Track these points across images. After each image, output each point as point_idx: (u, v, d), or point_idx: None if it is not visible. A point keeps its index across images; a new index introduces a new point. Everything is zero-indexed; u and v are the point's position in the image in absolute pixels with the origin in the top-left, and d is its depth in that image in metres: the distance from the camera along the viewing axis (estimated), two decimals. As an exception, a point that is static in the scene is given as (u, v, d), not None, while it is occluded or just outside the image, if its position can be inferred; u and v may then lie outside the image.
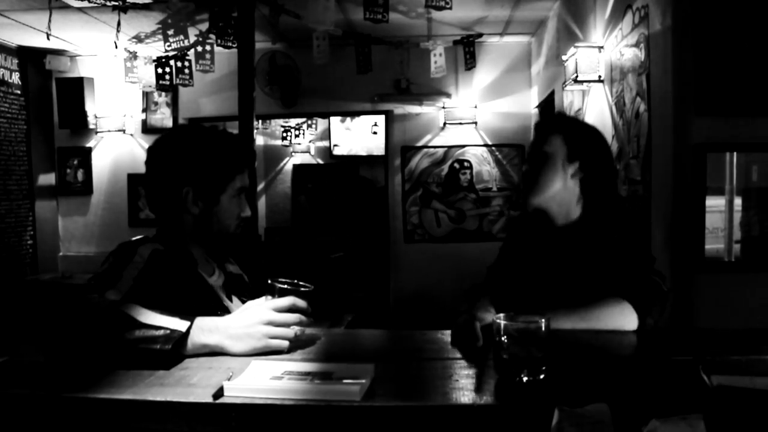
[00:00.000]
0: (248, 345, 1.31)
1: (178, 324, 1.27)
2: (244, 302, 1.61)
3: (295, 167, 8.75)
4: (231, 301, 1.68)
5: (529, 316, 1.12)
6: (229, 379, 1.10)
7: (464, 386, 1.10)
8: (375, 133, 8.43)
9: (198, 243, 1.67)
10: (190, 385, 1.12)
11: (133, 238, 1.60)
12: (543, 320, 1.10)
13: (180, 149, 1.63)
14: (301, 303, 1.38)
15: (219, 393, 1.05)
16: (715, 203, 2.59)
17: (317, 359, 1.30)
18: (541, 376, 1.09)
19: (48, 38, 4.52)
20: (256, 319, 1.33)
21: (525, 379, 1.08)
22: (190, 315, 1.32)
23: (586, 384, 1.12)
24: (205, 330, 1.30)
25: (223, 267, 1.77)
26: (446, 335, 1.47)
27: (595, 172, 1.78)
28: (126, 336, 1.23)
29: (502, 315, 1.12)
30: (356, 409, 1.01)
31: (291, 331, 1.36)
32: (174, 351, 1.24)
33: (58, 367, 1.23)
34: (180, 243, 1.63)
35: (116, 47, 4.72)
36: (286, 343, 1.34)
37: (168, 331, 1.24)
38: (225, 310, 1.57)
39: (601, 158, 1.80)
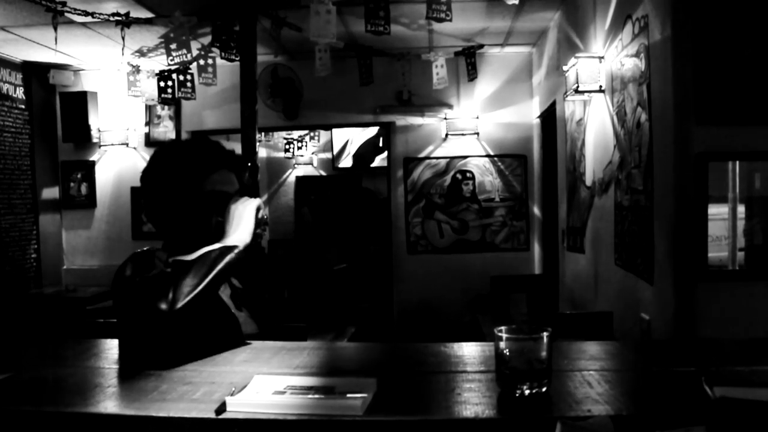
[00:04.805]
0: None
1: None
2: (250, 314, 1.70)
3: (298, 179, 8.76)
4: (240, 311, 1.72)
5: (531, 330, 1.12)
6: (231, 394, 1.10)
7: (467, 400, 1.09)
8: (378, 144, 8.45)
9: None
10: (192, 400, 1.12)
11: (139, 250, 1.60)
12: (545, 333, 1.10)
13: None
14: None
15: (222, 408, 1.05)
16: (718, 211, 2.59)
17: (319, 373, 1.30)
18: (544, 389, 1.09)
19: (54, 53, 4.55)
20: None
21: (527, 392, 1.08)
22: (198, 323, 1.35)
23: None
24: None
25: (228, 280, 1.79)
26: (449, 348, 1.47)
27: None
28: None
29: (503, 328, 1.12)
30: (358, 424, 1.01)
31: None
32: None
33: (61, 382, 1.24)
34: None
35: (123, 53, 4.74)
36: None
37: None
38: (233, 318, 1.64)
39: None
